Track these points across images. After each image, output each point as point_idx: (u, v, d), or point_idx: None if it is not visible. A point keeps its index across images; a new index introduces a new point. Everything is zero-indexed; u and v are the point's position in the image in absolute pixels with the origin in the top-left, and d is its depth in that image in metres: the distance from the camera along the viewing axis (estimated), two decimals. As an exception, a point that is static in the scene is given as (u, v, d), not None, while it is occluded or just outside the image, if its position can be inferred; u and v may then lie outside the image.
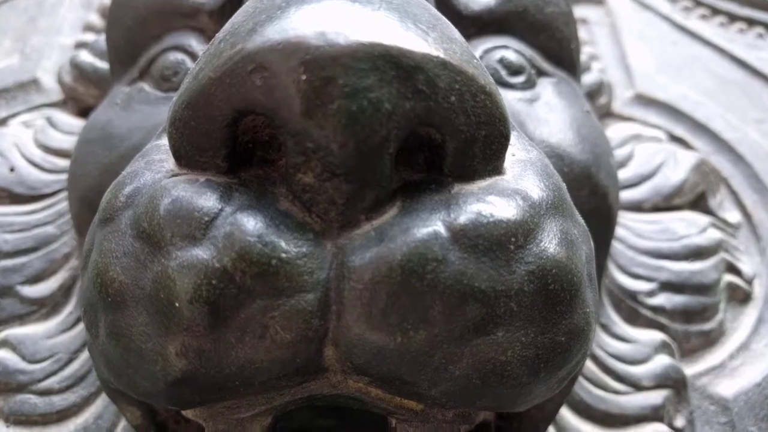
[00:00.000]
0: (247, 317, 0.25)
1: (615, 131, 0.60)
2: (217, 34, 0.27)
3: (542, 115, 0.42)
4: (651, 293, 0.50)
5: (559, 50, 0.45)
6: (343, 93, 0.23)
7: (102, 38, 0.55)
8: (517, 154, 0.30)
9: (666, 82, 0.65)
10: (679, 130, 0.61)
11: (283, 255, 0.25)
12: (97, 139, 0.43)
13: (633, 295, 0.50)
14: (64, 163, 0.53)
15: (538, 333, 0.26)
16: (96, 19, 0.63)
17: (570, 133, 0.42)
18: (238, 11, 0.28)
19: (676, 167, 0.55)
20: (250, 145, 0.27)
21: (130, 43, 0.45)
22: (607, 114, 0.61)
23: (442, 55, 0.24)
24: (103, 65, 0.56)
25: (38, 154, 0.53)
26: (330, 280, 0.25)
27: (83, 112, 0.58)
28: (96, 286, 0.27)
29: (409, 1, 0.27)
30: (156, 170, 0.28)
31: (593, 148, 0.43)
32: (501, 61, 0.42)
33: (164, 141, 0.30)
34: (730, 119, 0.61)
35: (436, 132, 0.26)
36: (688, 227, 0.53)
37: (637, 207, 0.54)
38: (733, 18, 0.77)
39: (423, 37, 0.24)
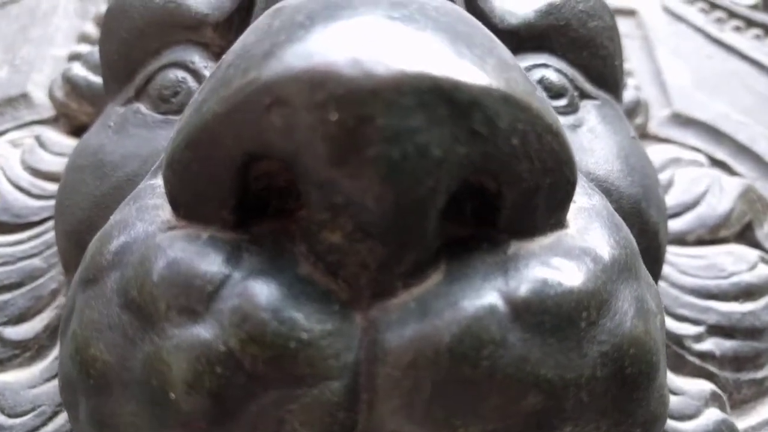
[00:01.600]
0: (258, 411, 0.20)
1: (652, 153, 0.54)
2: (224, 56, 0.23)
3: (587, 144, 0.37)
4: (698, 338, 0.45)
5: (602, 69, 0.41)
6: (382, 136, 0.18)
7: (97, 50, 0.51)
8: (578, 200, 0.25)
9: (704, 100, 0.60)
10: (721, 154, 0.56)
11: (304, 335, 0.20)
12: (88, 165, 0.38)
13: (679, 340, 0.45)
14: (53, 187, 0.48)
15: (610, 426, 0.22)
16: (92, 29, 0.58)
17: (618, 163, 0.37)
18: (251, 27, 0.23)
19: (722, 195, 0.51)
20: (263, 193, 0.22)
21: (125, 57, 0.40)
22: (643, 135, 0.56)
23: (503, 88, 0.20)
24: (97, 80, 0.51)
25: (25, 178, 0.48)
26: (360, 363, 0.20)
27: (76, 130, 0.53)
28: (75, 364, 0.22)
29: (459, 17, 0.22)
30: (149, 220, 0.23)
31: (642, 180, 0.38)
32: (541, 82, 0.37)
33: (160, 181, 0.26)
34: (775, 141, 0.57)
35: (492, 180, 0.21)
36: (736, 263, 0.48)
37: (680, 240, 0.49)
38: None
39: (480, 65, 0.20)
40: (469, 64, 0.19)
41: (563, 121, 0.37)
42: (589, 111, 0.39)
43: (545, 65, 0.38)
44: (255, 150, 0.20)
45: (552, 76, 0.38)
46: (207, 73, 0.37)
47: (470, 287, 0.21)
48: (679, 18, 0.68)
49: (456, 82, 0.19)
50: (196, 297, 0.20)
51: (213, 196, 0.21)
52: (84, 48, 0.57)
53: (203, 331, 0.20)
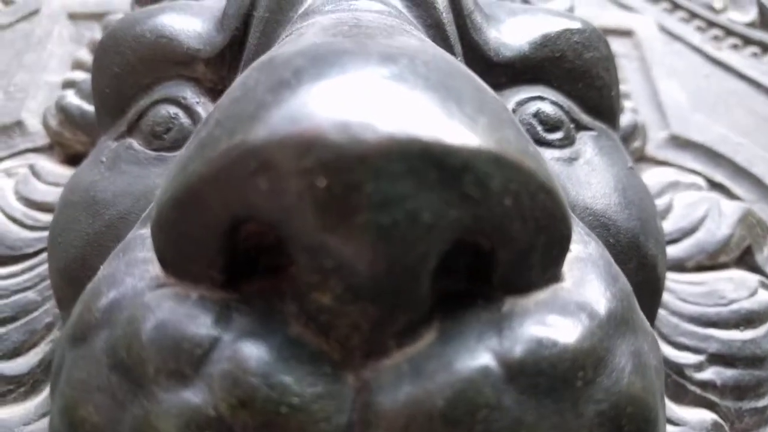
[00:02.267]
0: (249, 477, 0.20)
1: (650, 177, 0.54)
2: (210, 113, 0.22)
3: (584, 177, 0.37)
4: (699, 366, 0.45)
5: (599, 99, 0.40)
6: (371, 203, 0.18)
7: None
8: (574, 249, 0.25)
9: (701, 121, 0.60)
10: (719, 176, 0.56)
11: (295, 400, 0.19)
12: (80, 202, 0.37)
13: (679, 369, 0.44)
14: (47, 218, 0.48)
15: None
16: (86, 56, 0.58)
17: (615, 196, 0.37)
18: (238, 81, 0.23)
19: (721, 220, 0.50)
20: (253, 250, 0.22)
21: (117, 92, 0.40)
22: (640, 158, 0.56)
23: (494, 149, 0.19)
24: (92, 109, 0.51)
25: (19, 209, 0.48)
26: (352, 425, 0.20)
27: (71, 158, 0.53)
28: (65, 424, 0.22)
29: (450, 71, 0.22)
30: (138, 276, 0.23)
31: (640, 213, 0.38)
32: (537, 115, 0.37)
33: (150, 231, 0.25)
34: (773, 163, 0.56)
35: (485, 239, 0.21)
36: (736, 290, 0.47)
37: (679, 266, 0.49)
38: (765, 49, 0.72)
39: (470, 126, 0.19)
40: (460, 126, 0.19)
41: (559, 154, 0.37)
42: (585, 142, 0.39)
43: (541, 98, 0.38)
44: (242, 214, 0.20)
45: (547, 108, 0.38)
46: (199, 109, 0.37)
47: (464, 347, 0.20)
48: (675, 37, 0.68)
49: (446, 146, 0.18)
50: (185, 360, 0.20)
51: (201, 256, 0.21)
52: (78, 75, 0.56)
53: (193, 396, 0.20)
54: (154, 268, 0.23)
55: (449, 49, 0.36)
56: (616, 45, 0.65)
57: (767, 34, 0.73)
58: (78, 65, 0.57)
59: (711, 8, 0.74)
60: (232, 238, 0.21)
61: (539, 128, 0.37)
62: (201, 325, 0.20)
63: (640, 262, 0.37)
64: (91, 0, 0.63)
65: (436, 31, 0.36)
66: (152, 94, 0.38)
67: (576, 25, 0.40)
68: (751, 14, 0.74)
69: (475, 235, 0.20)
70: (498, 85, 0.38)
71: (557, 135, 0.37)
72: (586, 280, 0.23)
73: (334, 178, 0.18)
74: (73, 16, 0.62)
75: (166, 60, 0.38)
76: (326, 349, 0.21)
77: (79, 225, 0.37)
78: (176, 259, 0.22)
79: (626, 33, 0.65)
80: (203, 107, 0.37)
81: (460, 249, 0.21)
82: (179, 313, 0.21)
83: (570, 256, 0.24)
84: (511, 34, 0.39)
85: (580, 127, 0.39)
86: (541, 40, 0.38)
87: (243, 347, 0.20)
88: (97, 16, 0.62)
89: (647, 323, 0.25)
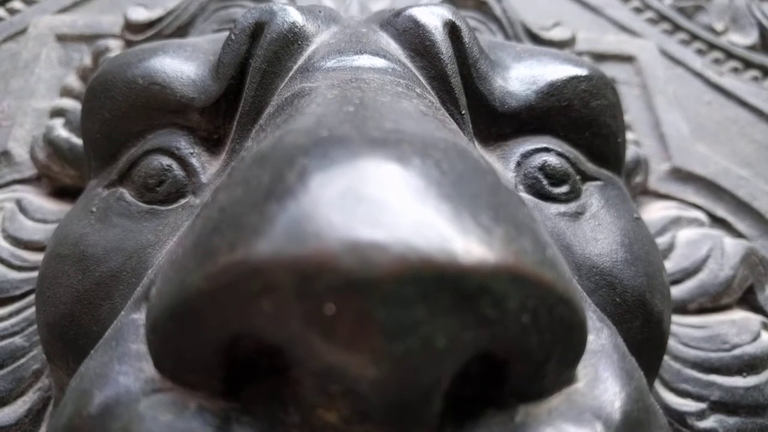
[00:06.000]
0: None
1: (652, 212, 0.54)
2: (207, 208, 0.21)
3: (590, 233, 0.36)
4: (701, 414, 0.44)
5: (605, 147, 0.39)
6: (382, 330, 0.17)
7: (80, 108, 0.49)
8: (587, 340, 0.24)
9: (703, 153, 0.59)
10: (721, 211, 0.55)
11: None
12: (70, 255, 0.36)
13: (681, 418, 0.44)
14: (34, 257, 0.46)
15: None
16: (75, 82, 0.56)
17: (621, 252, 0.36)
18: (236, 176, 0.21)
19: (723, 261, 0.50)
20: (254, 355, 0.21)
21: (107, 138, 0.38)
22: (643, 191, 0.55)
23: (512, 265, 0.18)
24: (80, 142, 0.50)
25: (6, 249, 0.47)
26: None
27: (59, 191, 0.51)
28: None
29: (463, 171, 0.20)
30: (133, 375, 0.22)
31: (647, 268, 0.37)
32: (542, 168, 0.36)
33: (143, 315, 0.24)
34: (775, 197, 0.56)
35: (500, 351, 0.20)
36: (739, 333, 0.47)
37: (681, 308, 0.48)
38: (766, 72, 0.71)
39: (486, 241, 0.18)
40: (476, 241, 0.18)
41: (565, 209, 0.36)
42: (591, 194, 0.38)
43: (546, 149, 0.37)
44: (242, 333, 0.18)
45: (553, 161, 0.36)
46: (194, 160, 0.36)
47: (476, 465, 0.19)
48: (677, 61, 0.67)
49: (461, 269, 0.17)
50: (182, 483, 0.19)
51: (200, 367, 0.20)
52: (67, 102, 0.54)
53: None
54: (149, 367, 0.22)
55: (453, 101, 0.35)
56: (618, 71, 0.64)
57: (768, 57, 0.72)
58: (66, 92, 0.56)
59: (712, 30, 0.73)
60: (232, 352, 0.20)
61: (545, 182, 0.36)
62: (199, 442, 0.19)
63: (646, 319, 0.36)
64: (80, 21, 0.61)
65: (441, 83, 0.35)
66: (144, 143, 0.37)
67: (583, 72, 0.38)
68: (752, 37, 0.73)
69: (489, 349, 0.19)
70: (503, 136, 0.37)
71: (563, 189, 0.36)
72: (601, 378, 0.22)
73: (344, 305, 0.17)
74: (62, 38, 0.60)
75: (159, 108, 0.36)
76: (331, 465, 0.19)
77: (68, 280, 0.35)
78: (173, 367, 0.20)
79: (628, 59, 0.64)
80: (198, 158, 0.36)
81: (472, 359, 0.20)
82: (177, 428, 0.19)
83: (583, 350, 0.23)
84: (517, 82, 0.37)
85: (586, 177, 0.38)
86: (547, 89, 0.37)
87: (244, 467, 0.19)
88: (86, 38, 0.60)
89: (661, 416, 0.25)
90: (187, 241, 0.21)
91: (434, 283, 0.17)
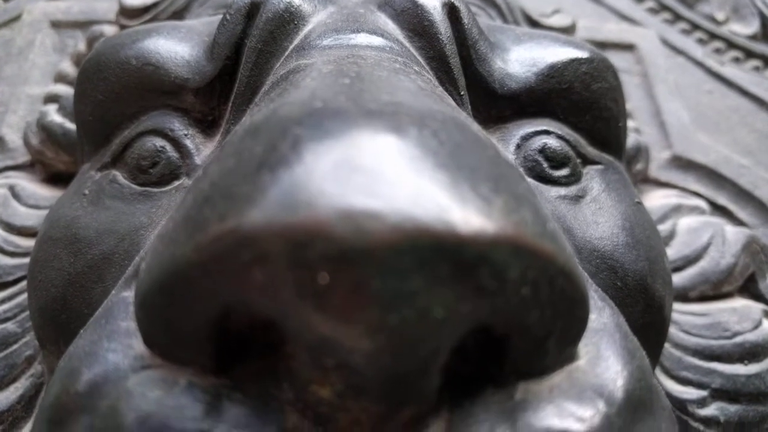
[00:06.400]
0: None
1: (653, 200, 0.53)
2: (199, 181, 0.20)
3: (591, 217, 0.35)
4: (702, 402, 0.43)
5: (606, 131, 0.39)
6: (378, 300, 0.16)
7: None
8: (589, 318, 0.23)
9: (704, 141, 0.58)
10: (722, 199, 0.55)
11: (292, 507, 0.18)
12: (62, 238, 0.35)
13: (682, 405, 0.43)
14: (27, 243, 0.46)
15: None
16: (69, 68, 0.55)
17: (622, 236, 0.35)
18: (230, 146, 0.21)
19: (725, 249, 0.49)
20: (246, 330, 0.20)
21: (100, 120, 0.38)
22: (643, 179, 0.55)
23: (512, 235, 0.18)
24: (74, 128, 0.49)
25: (-2, 234, 0.46)
26: None
27: (53, 177, 0.51)
28: None
29: (461, 141, 0.20)
30: (121, 352, 0.21)
31: (648, 252, 0.36)
32: (543, 151, 0.35)
33: (133, 294, 0.24)
34: (777, 185, 0.55)
35: (499, 325, 0.19)
36: (740, 321, 0.46)
37: (683, 296, 0.48)
38: (767, 62, 0.71)
39: (486, 211, 0.18)
40: (475, 211, 0.17)
41: (565, 192, 0.35)
42: (592, 177, 0.37)
43: (546, 132, 0.36)
44: (233, 305, 0.18)
45: (554, 143, 0.36)
46: (188, 142, 0.35)
47: (475, 443, 0.19)
48: (678, 51, 0.66)
49: (460, 238, 0.17)
50: (171, 460, 0.18)
51: (190, 342, 0.19)
52: (61, 88, 0.54)
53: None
54: (138, 344, 0.21)
55: (452, 82, 0.34)
56: (618, 60, 0.63)
57: (769, 46, 0.72)
58: (61, 78, 0.55)
59: (713, 19, 0.73)
60: (223, 324, 0.19)
61: (545, 165, 0.35)
62: (189, 419, 0.19)
63: (647, 304, 0.35)
64: (75, 7, 0.60)
65: (439, 64, 0.34)
66: (138, 125, 0.36)
67: (584, 54, 0.38)
68: (754, 26, 0.73)
69: (489, 323, 0.19)
70: (502, 118, 0.37)
71: (563, 172, 0.36)
72: (603, 357, 0.22)
73: (338, 275, 0.16)
74: (56, 24, 0.60)
75: (152, 89, 0.36)
76: (325, 442, 0.19)
77: (60, 263, 0.35)
78: (163, 342, 0.20)
79: (628, 47, 0.64)
80: (192, 140, 0.35)
81: (470, 332, 0.20)
82: (166, 405, 0.19)
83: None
84: (517, 64, 0.37)
85: (587, 161, 0.37)
86: (547, 71, 0.37)
87: (235, 444, 0.18)
88: (81, 25, 0.60)
89: (664, 397, 0.24)
90: (178, 215, 0.20)
91: (431, 252, 0.16)
